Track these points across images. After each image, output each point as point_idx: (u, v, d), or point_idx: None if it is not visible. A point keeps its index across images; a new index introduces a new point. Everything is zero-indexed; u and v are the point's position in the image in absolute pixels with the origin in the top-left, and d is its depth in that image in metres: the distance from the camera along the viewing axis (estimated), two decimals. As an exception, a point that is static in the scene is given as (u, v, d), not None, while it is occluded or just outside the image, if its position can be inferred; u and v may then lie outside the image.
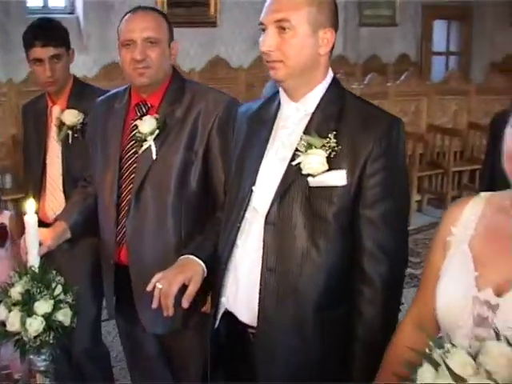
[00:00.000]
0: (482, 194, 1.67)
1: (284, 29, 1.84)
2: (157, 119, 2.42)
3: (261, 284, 1.89)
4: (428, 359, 1.43)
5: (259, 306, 1.90)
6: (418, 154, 6.94)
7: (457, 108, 7.65)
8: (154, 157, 2.41)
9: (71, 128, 3.00)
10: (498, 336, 1.37)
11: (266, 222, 1.89)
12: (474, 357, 1.36)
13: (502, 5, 8.76)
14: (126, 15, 2.44)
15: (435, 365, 1.41)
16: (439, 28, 8.91)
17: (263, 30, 1.89)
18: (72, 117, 3.00)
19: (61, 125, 3.03)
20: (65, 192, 3.01)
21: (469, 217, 1.63)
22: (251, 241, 1.93)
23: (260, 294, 1.89)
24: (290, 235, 1.87)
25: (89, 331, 3.06)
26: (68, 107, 3.04)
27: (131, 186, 2.44)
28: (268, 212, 1.90)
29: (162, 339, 2.66)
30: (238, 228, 1.96)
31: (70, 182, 2.96)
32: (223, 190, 2.33)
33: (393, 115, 1.97)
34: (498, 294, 1.50)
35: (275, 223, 1.88)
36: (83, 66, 6.51)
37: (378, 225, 1.86)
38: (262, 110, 2.05)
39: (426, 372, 1.42)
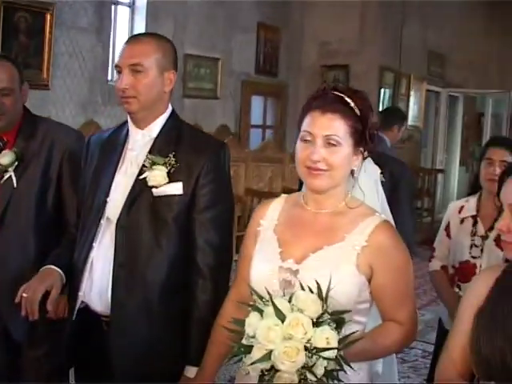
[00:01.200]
0: (283, 195, 2.24)
1: (138, 71, 2.30)
2: (15, 152, 2.75)
3: (113, 277, 2.27)
4: (253, 308, 1.90)
5: (112, 295, 2.27)
6: (237, 216, 7.43)
7: (272, 174, 8.38)
8: (15, 185, 2.74)
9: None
10: (302, 287, 1.89)
11: (118, 226, 2.29)
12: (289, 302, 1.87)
13: (314, 84, 9.70)
14: None
15: (260, 311, 1.88)
16: (257, 103, 9.66)
17: (119, 72, 2.34)
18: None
19: None
20: None
21: (273, 211, 2.17)
22: (105, 242, 2.32)
23: (113, 285, 2.27)
24: (138, 236, 2.29)
25: None
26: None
27: None
28: (119, 218, 2.30)
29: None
30: (94, 233, 2.35)
31: None
32: (74, 211, 2.64)
33: (220, 140, 2.50)
34: (298, 263, 2.03)
35: (125, 226, 2.29)
36: None
37: (208, 226, 2.32)
38: (113, 137, 2.48)
39: (252, 318, 1.89)
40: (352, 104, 2.06)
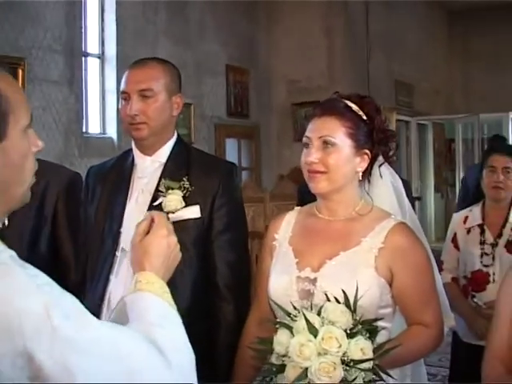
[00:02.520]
0: (296, 207, 2.24)
1: (147, 96, 2.24)
2: None
3: None
4: (281, 325, 1.83)
5: None
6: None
7: (254, 214, 8.32)
8: (6, 223, 2.62)
9: None
10: (327, 297, 1.83)
11: (135, 257, 2.20)
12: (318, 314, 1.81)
13: (285, 123, 9.74)
14: None
15: (288, 328, 1.81)
16: (231, 145, 9.65)
17: (125, 99, 2.28)
18: None
19: None
20: None
21: (287, 224, 2.16)
22: (122, 274, 2.23)
23: None
24: None
25: None
26: None
27: None
28: (135, 248, 2.21)
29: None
30: (111, 266, 2.25)
31: None
32: (73, 255, 2.52)
33: (230, 161, 2.44)
34: (315, 271, 2.00)
35: None
36: None
37: (226, 248, 2.26)
38: (117, 166, 2.41)
39: (282, 335, 1.81)
40: (353, 106, 2.07)
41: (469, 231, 3.42)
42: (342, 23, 9.82)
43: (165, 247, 1.57)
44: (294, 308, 1.88)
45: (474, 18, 11.89)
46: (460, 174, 11.94)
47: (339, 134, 2.02)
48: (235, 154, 9.99)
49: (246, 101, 9.70)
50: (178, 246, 1.62)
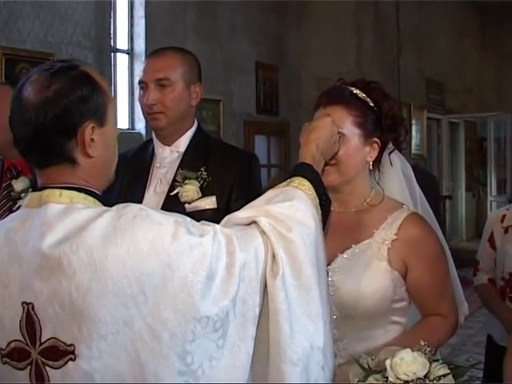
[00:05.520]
0: None
1: (164, 86, 2.24)
2: (30, 179, 2.69)
3: None
4: None
5: None
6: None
7: (283, 211, 8.29)
8: None
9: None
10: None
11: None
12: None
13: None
14: None
15: None
16: (260, 142, 9.62)
17: (143, 88, 2.28)
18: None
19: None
20: None
21: None
22: None
23: None
24: None
25: None
26: None
27: None
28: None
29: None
30: None
31: None
32: None
33: (250, 152, 2.42)
34: (327, 265, 1.92)
35: None
36: None
37: None
38: (138, 156, 2.43)
39: None
40: (359, 93, 2.00)
41: (506, 230, 3.23)
42: (372, 20, 9.75)
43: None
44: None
45: (507, 15, 11.73)
46: (492, 173, 11.81)
47: (347, 124, 1.96)
48: (264, 151, 9.96)
49: (276, 98, 9.67)
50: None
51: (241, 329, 1.39)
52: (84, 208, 1.44)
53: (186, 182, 2.20)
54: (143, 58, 7.37)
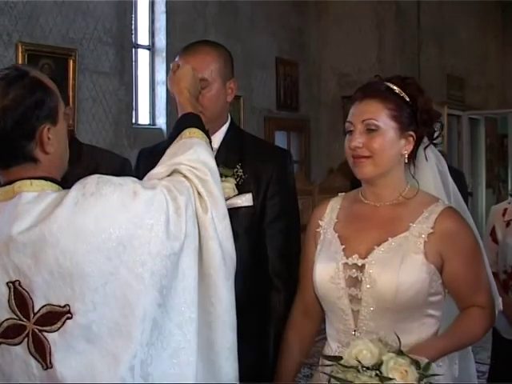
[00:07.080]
0: (340, 194, 2.18)
1: (202, 87, 2.19)
2: None
3: None
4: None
5: None
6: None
7: (302, 207, 8.25)
8: None
9: None
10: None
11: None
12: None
13: (335, 116, 9.63)
14: None
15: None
16: (280, 138, 9.60)
17: None
18: None
19: None
20: None
21: (332, 211, 2.11)
22: None
23: None
24: None
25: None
26: None
27: None
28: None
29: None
30: None
31: None
32: None
33: (284, 148, 2.39)
34: (363, 258, 1.96)
35: None
36: None
37: (279, 237, 2.21)
38: None
39: None
40: (395, 87, 2.02)
41: (508, 224, 3.28)
42: (393, 16, 9.68)
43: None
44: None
45: (529, 10, 11.63)
46: (512, 170, 11.70)
47: (382, 117, 1.98)
48: (284, 147, 9.90)
49: (296, 94, 9.64)
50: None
51: (189, 259, 1.66)
52: (54, 192, 1.63)
53: (223, 179, 2.16)
54: (164, 54, 7.37)
